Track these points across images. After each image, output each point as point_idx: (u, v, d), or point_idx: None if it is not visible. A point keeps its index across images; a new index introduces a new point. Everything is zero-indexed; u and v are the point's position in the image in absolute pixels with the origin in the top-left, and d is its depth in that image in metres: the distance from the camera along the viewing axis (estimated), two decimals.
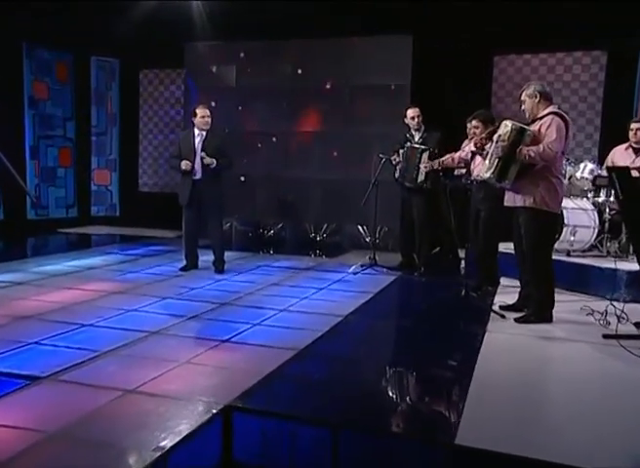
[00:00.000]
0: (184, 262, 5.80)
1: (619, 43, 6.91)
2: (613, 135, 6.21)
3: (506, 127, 3.99)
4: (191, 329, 3.89)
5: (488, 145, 4.63)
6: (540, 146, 3.94)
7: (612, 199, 5.50)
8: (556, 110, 4.10)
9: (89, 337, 3.59)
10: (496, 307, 4.51)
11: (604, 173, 5.74)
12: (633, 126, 5.68)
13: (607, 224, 5.58)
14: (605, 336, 3.77)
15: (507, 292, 5.08)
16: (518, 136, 3.95)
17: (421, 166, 5.66)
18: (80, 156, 9.15)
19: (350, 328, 4.03)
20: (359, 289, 5.18)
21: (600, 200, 5.62)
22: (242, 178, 7.81)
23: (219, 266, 5.78)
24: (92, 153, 9.29)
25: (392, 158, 5.88)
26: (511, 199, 4.22)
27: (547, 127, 3.98)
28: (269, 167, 7.87)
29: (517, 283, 4.90)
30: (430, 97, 6.71)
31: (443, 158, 5.40)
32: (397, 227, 6.55)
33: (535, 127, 4.08)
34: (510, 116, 4.64)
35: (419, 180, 5.72)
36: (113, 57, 9.17)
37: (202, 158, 5.49)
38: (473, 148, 4.99)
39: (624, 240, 5.55)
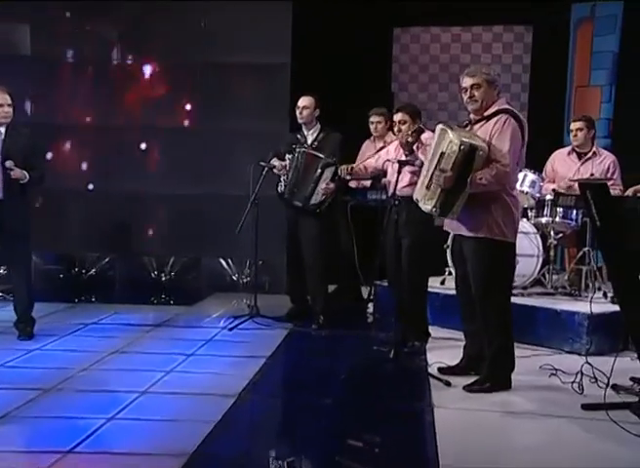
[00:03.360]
0: None
1: (546, 16, 7.56)
2: (543, 133, 6.73)
3: (451, 145, 4.03)
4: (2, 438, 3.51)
5: (419, 151, 4.80)
6: (493, 169, 4.08)
7: (557, 219, 5.92)
8: (508, 108, 4.29)
9: None
10: (434, 370, 4.63)
11: (545, 184, 6.19)
12: (572, 126, 6.16)
13: (553, 252, 6.00)
14: (585, 407, 3.99)
15: (442, 346, 5.24)
16: (468, 159, 4.02)
17: (320, 186, 5.69)
18: None
19: (251, 414, 3.97)
20: (243, 352, 5.15)
21: (543, 221, 6.00)
22: (39, 201, 7.14)
23: (26, 328, 5.42)
24: None
25: (275, 164, 5.86)
26: (454, 225, 4.37)
27: (499, 133, 4.13)
28: (87, 177, 7.62)
29: (456, 334, 5.05)
30: (316, 82, 6.79)
31: (352, 167, 5.39)
32: (280, 260, 6.58)
33: (478, 128, 4.24)
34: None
35: (312, 202, 5.76)
36: None
37: (8, 169, 5.06)
38: (389, 157, 5.13)
39: (574, 272, 6.01)
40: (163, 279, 7.79)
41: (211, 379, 4.47)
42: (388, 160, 5.05)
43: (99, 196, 7.56)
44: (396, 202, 4.84)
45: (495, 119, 4.20)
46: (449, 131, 4.12)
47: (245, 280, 7.43)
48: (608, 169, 6.20)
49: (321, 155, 5.70)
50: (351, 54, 7.39)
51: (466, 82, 4.26)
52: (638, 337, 4.11)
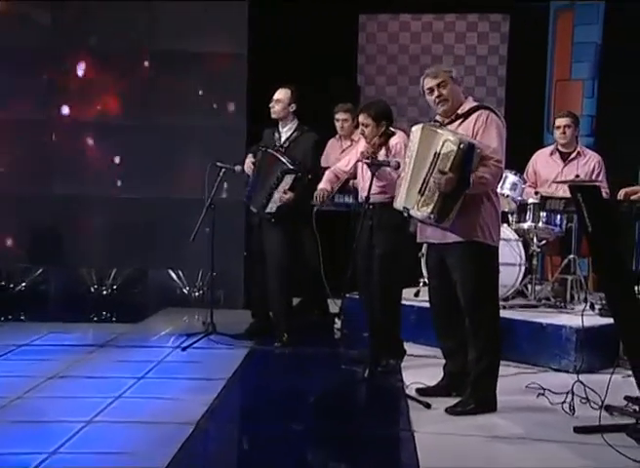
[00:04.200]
0: None
1: (525, 4, 7.71)
2: (522, 130, 6.83)
3: (447, 144, 4.08)
4: None
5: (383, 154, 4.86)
6: (489, 166, 4.15)
7: (541, 225, 6.01)
8: (485, 104, 4.40)
9: None
10: (412, 391, 4.64)
11: (526, 187, 6.27)
12: (560, 122, 6.27)
13: (535, 261, 6.08)
14: (578, 430, 4.02)
15: (418, 365, 5.26)
16: (467, 158, 4.07)
17: (277, 193, 5.68)
18: None
19: (211, 445, 3.92)
20: (199, 374, 5.10)
21: (525, 226, 6.08)
22: None
23: None
24: None
25: (235, 167, 5.88)
26: (437, 233, 4.38)
27: (484, 129, 4.21)
28: (14, 179, 7.49)
29: (432, 351, 5.07)
30: (275, 74, 6.79)
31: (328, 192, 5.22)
32: (236, 271, 6.62)
33: (455, 127, 4.29)
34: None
35: (267, 210, 5.76)
36: None
37: None
38: (361, 157, 5.14)
39: (558, 281, 6.09)
40: (104, 293, 7.71)
41: (165, 406, 4.40)
42: (360, 160, 5.04)
43: (28, 200, 7.43)
44: (370, 206, 4.83)
45: (474, 116, 4.27)
46: (439, 130, 4.17)
47: (198, 293, 7.40)
48: (593, 170, 6.33)
49: (283, 158, 5.67)
50: (313, 43, 7.45)
51: (429, 83, 4.32)
52: (634, 353, 4.16)
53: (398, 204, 4.42)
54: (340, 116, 6.49)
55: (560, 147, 6.40)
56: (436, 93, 4.29)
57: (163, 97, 7.35)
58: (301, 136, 5.86)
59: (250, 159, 5.87)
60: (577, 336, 5.21)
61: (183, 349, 5.70)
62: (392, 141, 5.05)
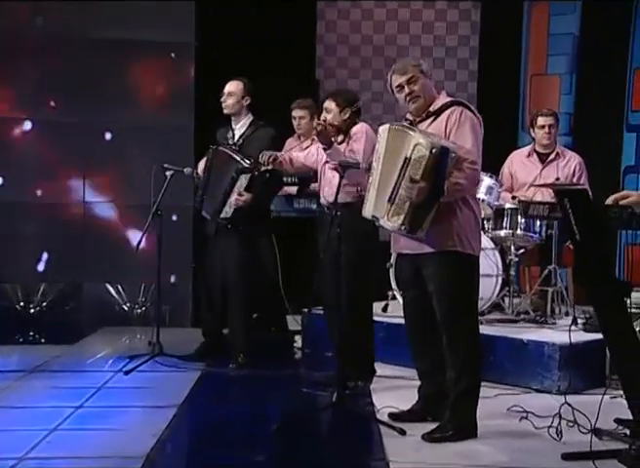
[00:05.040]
0: None
1: None
2: (496, 129, 6.89)
3: (418, 148, 4.05)
4: None
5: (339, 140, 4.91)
6: (463, 170, 4.14)
7: (519, 232, 6.07)
8: (459, 99, 4.42)
9: None
10: (384, 416, 4.64)
11: (503, 191, 6.35)
12: (544, 121, 6.37)
13: (513, 271, 6.14)
14: (566, 457, 4.05)
15: (389, 387, 5.28)
16: (441, 164, 4.05)
17: (233, 197, 5.66)
18: None
19: None
20: (146, 401, 5.04)
21: (502, 234, 6.14)
22: None
23: None
24: None
25: (184, 169, 5.87)
26: (410, 243, 4.39)
27: (457, 127, 4.22)
28: None
29: (404, 371, 5.13)
30: (226, 66, 6.85)
31: (277, 156, 5.28)
32: (184, 284, 6.68)
33: (427, 126, 4.31)
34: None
35: (222, 215, 5.74)
36: None
37: None
38: (321, 157, 5.17)
39: (537, 294, 6.17)
40: (32, 311, 7.61)
41: (109, 438, 4.34)
42: (327, 162, 5.04)
43: None
44: (337, 212, 4.83)
45: (447, 113, 4.29)
46: (410, 131, 4.16)
47: (140, 310, 7.35)
48: (574, 172, 6.45)
49: (236, 156, 5.65)
50: (267, 33, 7.46)
51: (398, 80, 4.33)
52: (625, 371, 4.22)
53: (367, 212, 4.44)
54: (296, 113, 6.50)
55: (538, 148, 6.50)
56: (406, 90, 4.30)
57: (99, 91, 7.28)
58: (257, 132, 5.86)
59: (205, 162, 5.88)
60: (560, 354, 5.26)
61: (126, 373, 5.63)
62: (353, 129, 5.11)
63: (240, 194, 5.64)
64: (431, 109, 4.33)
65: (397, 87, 4.33)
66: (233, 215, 5.69)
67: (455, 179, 4.13)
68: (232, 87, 5.85)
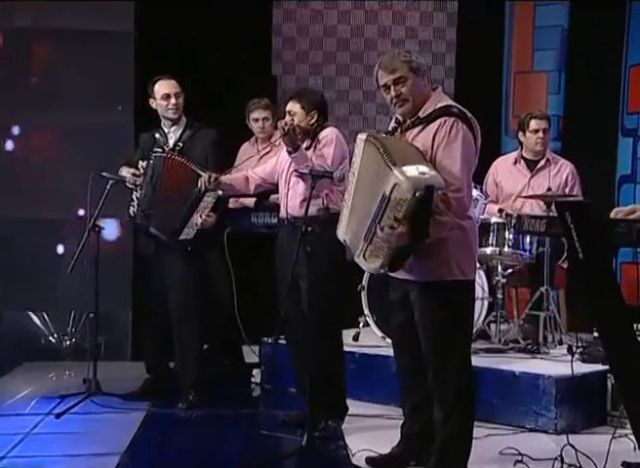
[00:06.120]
0: None
1: None
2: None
3: (399, 190, 3.91)
4: None
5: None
6: (451, 200, 4.04)
7: (506, 249, 6.09)
8: (452, 104, 4.29)
9: None
10: (360, 461, 4.62)
11: (488, 202, 6.38)
12: (539, 124, 6.42)
13: (500, 294, 6.16)
14: None
15: (363, 427, 5.27)
16: (425, 206, 3.93)
17: (197, 217, 5.62)
18: None
19: None
20: (83, 448, 4.96)
21: (488, 251, 6.16)
22: None
23: None
24: None
25: (127, 178, 5.79)
26: None
27: (445, 144, 4.11)
28: None
29: (379, 409, 5.17)
30: (170, 60, 6.89)
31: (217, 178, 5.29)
32: (122, 312, 6.72)
33: (414, 136, 4.24)
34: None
35: (182, 237, 5.70)
36: None
37: None
38: (284, 166, 5.17)
39: (527, 320, 6.19)
40: None
41: None
42: (296, 171, 5.01)
43: None
44: (308, 229, 4.81)
45: (437, 124, 4.18)
46: (389, 164, 3.97)
47: (69, 342, 7.22)
48: (566, 181, 6.52)
49: (199, 169, 5.55)
50: (216, 22, 7.43)
51: (384, 78, 4.25)
52: (635, 408, 4.23)
53: (340, 235, 4.43)
54: (258, 114, 6.51)
55: (527, 154, 6.55)
56: (392, 92, 4.22)
57: (26, 89, 7.25)
58: (197, 135, 5.86)
59: (128, 170, 5.81)
60: (557, 388, 5.27)
61: (58, 416, 5.55)
62: (322, 133, 5.13)
63: (207, 215, 5.63)
64: (421, 115, 4.24)
65: (383, 86, 4.27)
66: (192, 239, 5.68)
67: (440, 217, 4.03)
68: (176, 86, 5.83)
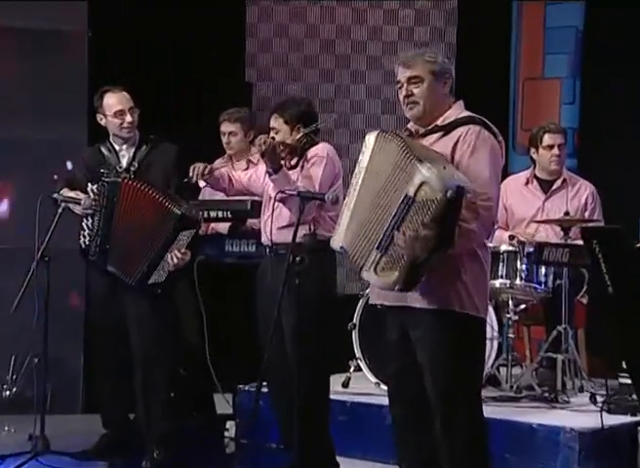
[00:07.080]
0: None
1: None
2: None
3: (426, 189, 3.87)
4: None
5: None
6: (475, 210, 4.01)
7: (518, 282, 6.04)
8: (480, 118, 4.26)
9: None
10: None
11: (498, 228, 6.29)
12: (554, 139, 6.38)
13: (512, 333, 6.08)
14: None
15: None
16: (454, 209, 3.89)
17: (171, 256, 5.54)
18: None
19: None
20: None
21: (497, 285, 6.09)
22: None
23: None
24: None
25: (83, 201, 5.67)
26: (389, 293, 4.25)
27: (471, 152, 4.09)
28: None
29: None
30: (129, 63, 6.99)
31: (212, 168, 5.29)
32: (73, 357, 6.76)
33: (432, 143, 4.20)
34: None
35: (152, 280, 5.65)
36: None
37: None
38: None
39: (542, 364, 6.12)
40: None
41: None
42: (282, 192, 4.96)
43: None
44: (296, 258, 4.72)
45: (459, 132, 4.16)
46: (418, 163, 3.91)
47: (8, 392, 7.04)
48: (586, 204, 6.51)
49: (168, 203, 5.49)
50: (183, 23, 7.47)
51: (400, 73, 4.25)
52: None
53: (335, 243, 4.32)
54: (225, 128, 6.54)
55: (540, 173, 6.53)
56: (404, 91, 4.20)
57: None
58: (155, 152, 5.82)
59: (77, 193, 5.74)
60: (581, 443, 5.18)
61: None
62: (312, 151, 5.20)
63: (183, 253, 5.56)
64: (439, 123, 4.22)
65: (397, 82, 4.26)
66: (163, 280, 5.64)
67: (467, 225, 3.99)
68: (130, 100, 5.78)
